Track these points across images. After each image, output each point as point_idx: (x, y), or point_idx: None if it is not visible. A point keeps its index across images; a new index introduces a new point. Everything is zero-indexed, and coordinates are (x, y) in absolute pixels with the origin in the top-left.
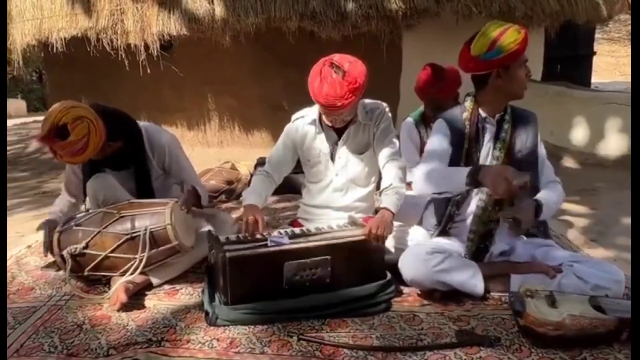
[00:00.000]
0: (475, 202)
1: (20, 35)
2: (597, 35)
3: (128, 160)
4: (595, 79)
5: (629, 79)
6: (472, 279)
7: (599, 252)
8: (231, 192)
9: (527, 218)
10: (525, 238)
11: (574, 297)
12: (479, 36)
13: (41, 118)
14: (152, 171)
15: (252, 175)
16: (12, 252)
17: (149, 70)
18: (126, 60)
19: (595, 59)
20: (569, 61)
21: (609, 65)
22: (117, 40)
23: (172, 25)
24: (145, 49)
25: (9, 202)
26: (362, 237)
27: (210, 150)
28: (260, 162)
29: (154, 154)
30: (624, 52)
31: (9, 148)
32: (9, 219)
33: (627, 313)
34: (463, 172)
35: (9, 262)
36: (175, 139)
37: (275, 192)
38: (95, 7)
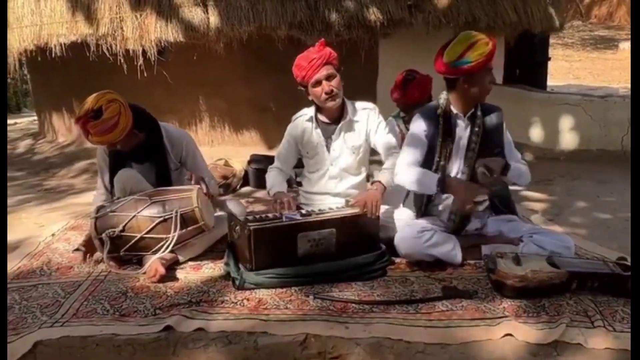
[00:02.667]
0: None
1: (18, 41)
2: (552, 41)
3: (149, 153)
4: (550, 81)
5: (581, 82)
6: (453, 250)
7: (555, 229)
8: (227, 186)
9: (496, 166)
10: (494, 214)
11: (534, 257)
12: (452, 44)
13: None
14: (170, 164)
15: (246, 171)
16: (39, 239)
17: (145, 74)
18: (125, 64)
19: (550, 63)
20: (527, 66)
21: (563, 69)
22: (116, 46)
23: (170, 33)
24: (142, 54)
25: (16, 199)
26: (360, 212)
27: (202, 149)
28: (253, 159)
29: (172, 147)
30: (577, 56)
31: None
32: (23, 213)
33: (576, 267)
34: (433, 179)
35: (39, 248)
36: (190, 135)
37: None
38: (95, 14)
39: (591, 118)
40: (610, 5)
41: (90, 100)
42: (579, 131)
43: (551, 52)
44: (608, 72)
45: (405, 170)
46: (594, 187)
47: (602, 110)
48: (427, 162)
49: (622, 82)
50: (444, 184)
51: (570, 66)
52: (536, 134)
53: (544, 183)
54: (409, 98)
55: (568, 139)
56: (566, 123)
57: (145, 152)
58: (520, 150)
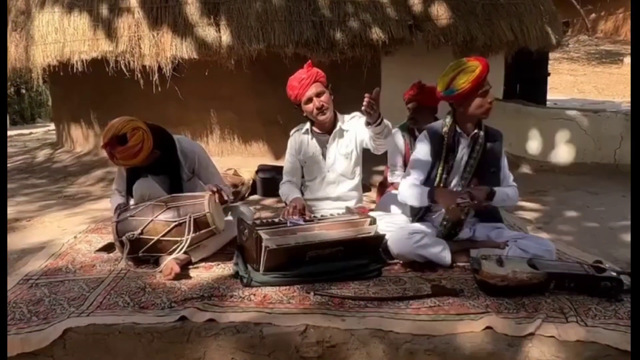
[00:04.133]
0: None
1: (42, 57)
2: (558, 55)
3: (164, 166)
4: (555, 95)
5: (585, 96)
6: (442, 252)
7: (542, 235)
8: (237, 194)
9: (479, 195)
10: (480, 222)
11: (516, 259)
12: (442, 75)
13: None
14: (183, 175)
15: (254, 180)
16: (62, 241)
17: (160, 88)
18: (141, 79)
19: (555, 77)
20: (527, 81)
21: (568, 83)
22: (134, 62)
23: (184, 50)
24: (158, 70)
25: (38, 205)
26: (369, 235)
27: (212, 159)
28: (261, 169)
29: (185, 160)
30: (582, 70)
31: (18, 158)
32: (45, 218)
33: (554, 269)
34: (425, 192)
35: (63, 249)
36: (202, 148)
37: (274, 195)
38: (115, 33)
39: (585, 132)
40: (616, 20)
41: (114, 127)
42: (574, 145)
43: (557, 66)
44: (613, 86)
45: (407, 190)
46: (586, 198)
47: (595, 125)
48: (432, 177)
49: (626, 97)
50: (433, 194)
51: (575, 80)
52: (533, 147)
53: (539, 194)
54: (425, 97)
55: (564, 152)
56: (562, 137)
57: (160, 166)
58: (518, 162)
